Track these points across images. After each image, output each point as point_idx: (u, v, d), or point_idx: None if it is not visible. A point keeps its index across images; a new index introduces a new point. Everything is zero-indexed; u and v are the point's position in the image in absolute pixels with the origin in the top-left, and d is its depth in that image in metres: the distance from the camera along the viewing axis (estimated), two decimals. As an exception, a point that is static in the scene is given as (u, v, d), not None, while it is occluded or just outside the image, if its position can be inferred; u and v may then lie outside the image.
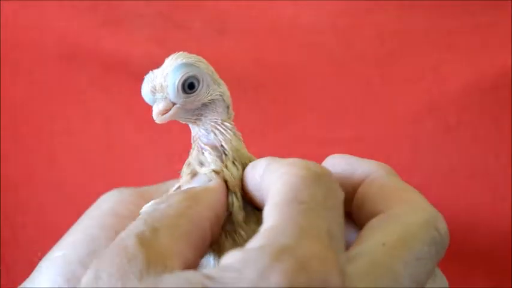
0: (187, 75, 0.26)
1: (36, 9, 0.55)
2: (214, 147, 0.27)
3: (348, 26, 0.55)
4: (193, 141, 0.28)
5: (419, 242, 0.20)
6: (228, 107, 0.28)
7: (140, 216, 0.22)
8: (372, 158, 0.53)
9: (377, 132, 0.54)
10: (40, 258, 0.28)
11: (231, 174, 0.26)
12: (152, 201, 0.23)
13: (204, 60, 0.28)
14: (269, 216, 0.19)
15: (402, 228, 0.20)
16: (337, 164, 0.26)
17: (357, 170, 0.25)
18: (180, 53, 0.28)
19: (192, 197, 0.23)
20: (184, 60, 0.27)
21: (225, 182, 0.25)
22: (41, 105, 0.55)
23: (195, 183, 0.26)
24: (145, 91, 0.27)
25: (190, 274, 0.18)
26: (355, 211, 0.23)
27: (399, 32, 0.55)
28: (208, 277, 0.17)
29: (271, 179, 0.22)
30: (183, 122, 0.28)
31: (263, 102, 0.53)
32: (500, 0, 0.53)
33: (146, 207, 0.23)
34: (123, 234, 0.21)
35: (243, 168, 0.26)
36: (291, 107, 0.54)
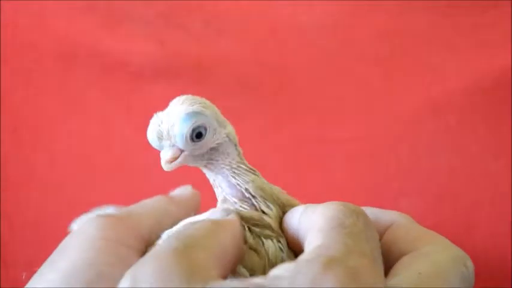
0: (195, 125, 0.26)
1: (36, 9, 0.55)
2: (242, 199, 0.26)
3: (348, 26, 0.55)
4: (215, 187, 0.27)
5: (451, 274, 0.22)
6: (235, 145, 0.27)
7: (168, 236, 0.22)
8: (371, 158, 0.54)
9: (377, 132, 0.54)
10: (25, 279, 0.25)
11: (269, 217, 0.26)
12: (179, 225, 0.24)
13: (208, 103, 0.27)
14: (314, 239, 0.20)
15: (435, 263, 0.21)
16: None
17: (381, 218, 0.26)
18: (185, 97, 0.27)
19: (218, 224, 0.23)
20: (190, 108, 0.26)
21: (269, 226, 0.25)
22: (40, 105, 0.55)
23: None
24: (152, 137, 0.27)
25: (238, 283, 0.18)
26: (382, 255, 0.24)
27: (399, 32, 0.55)
28: (259, 285, 0.17)
29: (311, 217, 0.23)
30: (192, 166, 0.27)
31: (263, 102, 0.53)
32: (500, 0, 0.53)
33: (174, 228, 0.24)
34: (157, 248, 0.20)
35: (276, 204, 0.26)
36: (291, 107, 0.54)
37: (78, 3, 0.55)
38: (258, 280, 0.18)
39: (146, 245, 0.26)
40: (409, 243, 0.23)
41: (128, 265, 0.22)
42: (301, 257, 0.19)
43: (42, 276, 0.23)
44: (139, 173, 0.52)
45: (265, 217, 0.25)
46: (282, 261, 0.24)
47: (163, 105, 0.59)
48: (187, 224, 0.24)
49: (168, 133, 0.26)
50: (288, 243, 0.25)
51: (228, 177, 0.26)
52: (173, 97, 0.55)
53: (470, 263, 0.23)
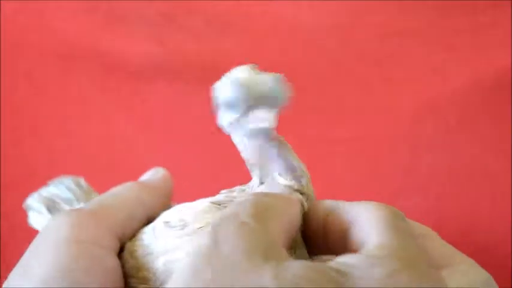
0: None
1: (36, 9, 0.55)
2: (294, 177, 0.26)
3: (348, 26, 0.55)
4: (261, 165, 0.26)
5: None
6: None
7: (242, 203, 0.21)
8: (371, 158, 0.53)
9: (377, 132, 0.54)
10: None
11: (310, 192, 0.26)
12: (249, 194, 0.23)
13: None
14: (375, 236, 0.21)
15: (470, 281, 0.23)
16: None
17: (414, 228, 0.27)
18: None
19: (288, 200, 0.24)
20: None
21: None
22: (41, 105, 0.55)
23: (271, 189, 0.25)
24: (247, 94, 0.24)
25: (318, 264, 0.19)
26: None
27: (399, 32, 0.55)
28: (337, 271, 0.18)
29: (360, 212, 0.23)
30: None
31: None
32: (500, 0, 0.53)
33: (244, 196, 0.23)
34: (237, 212, 0.20)
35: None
36: (291, 107, 0.54)
37: (78, 3, 0.55)
38: (335, 266, 0.18)
39: (120, 241, 0.25)
40: (442, 258, 0.24)
41: (104, 267, 0.23)
42: (370, 251, 0.20)
43: (14, 283, 0.22)
44: (139, 173, 0.52)
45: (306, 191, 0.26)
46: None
47: (163, 105, 0.59)
48: (259, 193, 0.23)
49: (265, 95, 0.25)
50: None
51: (274, 145, 0.26)
52: (173, 97, 0.55)
53: (496, 285, 0.25)
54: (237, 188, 0.27)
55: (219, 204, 0.25)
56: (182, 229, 0.24)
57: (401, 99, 0.54)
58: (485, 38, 0.54)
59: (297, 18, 0.55)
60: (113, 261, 0.24)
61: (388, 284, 0.18)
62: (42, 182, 0.36)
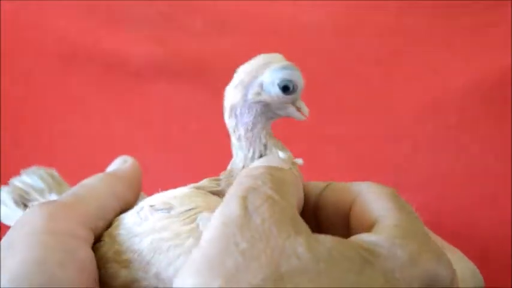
0: None
1: (36, 9, 0.55)
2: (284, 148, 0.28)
3: (348, 26, 0.55)
4: (262, 131, 0.27)
5: (471, 284, 0.25)
6: None
7: (259, 176, 0.22)
8: (372, 158, 0.53)
9: (377, 131, 0.54)
10: None
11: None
12: (264, 166, 0.24)
13: None
14: (388, 217, 0.22)
15: (458, 271, 0.23)
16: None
17: None
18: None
19: (294, 175, 0.25)
20: None
21: None
22: (40, 105, 0.55)
23: (273, 163, 0.26)
24: (300, 81, 0.27)
25: (348, 241, 0.20)
26: None
27: (399, 32, 0.55)
28: (365, 248, 0.19)
29: (365, 192, 0.25)
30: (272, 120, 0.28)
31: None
32: (500, 0, 0.53)
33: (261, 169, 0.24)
34: (258, 185, 0.21)
35: None
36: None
37: (78, 3, 0.55)
38: (363, 244, 0.20)
39: (93, 232, 0.25)
40: None
41: (78, 259, 0.23)
42: (389, 231, 0.21)
43: None
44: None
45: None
46: None
47: (163, 105, 0.59)
48: (271, 167, 0.24)
49: (300, 87, 0.27)
50: None
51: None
52: (173, 97, 0.56)
53: (483, 280, 0.26)
54: (222, 174, 0.27)
55: (203, 189, 0.26)
56: (168, 211, 0.25)
57: (402, 99, 0.54)
58: (485, 38, 0.54)
59: (296, 18, 0.55)
60: (86, 252, 0.24)
61: (410, 264, 0.19)
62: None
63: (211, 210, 0.24)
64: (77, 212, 0.25)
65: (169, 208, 0.25)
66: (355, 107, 0.55)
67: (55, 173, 0.35)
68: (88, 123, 0.55)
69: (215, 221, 0.20)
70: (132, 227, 0.25)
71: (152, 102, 0.55)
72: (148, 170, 0.53)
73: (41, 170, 0.35)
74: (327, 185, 0.26)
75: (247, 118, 0.27)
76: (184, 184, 0.28)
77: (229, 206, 0.20)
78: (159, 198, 0.26)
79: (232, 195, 0.21)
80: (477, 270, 0.25)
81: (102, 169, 0.54)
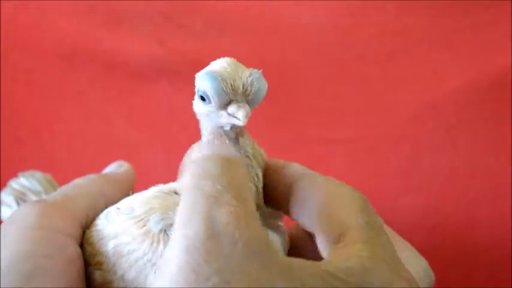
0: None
1: (36, 9, 0.55)
2: (245, 134, 0.28)
3: (348, 26, 0.55)
4: (216, 128, 0.27)
5: (425, 282, 0.25)
6: None
7: (211, 178, 0.21)
8: (371, 158, 0.53)
9: (377, 132, 0.54)
10: None
11: (260, 155, 0.27)
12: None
13: None
14: (353, 224, 0.22)
15: (412, 268, 0.23)
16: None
17: None
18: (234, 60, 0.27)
19: (244, 164, 0.25)
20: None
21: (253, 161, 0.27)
22: (40, 105, 0.55)
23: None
24: (223, 89, 0.25)
25: (319, 271, 0.19)
26: None
27: (399, 32, 0.55)
28: (340, 279, 0.19)
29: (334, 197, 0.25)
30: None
31: (263, 102, 0.53)
32: (500, 0, 0.53)
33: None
34: (218, 191, 0.20)
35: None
36: (291, 107, 0.54)
37: (78, 3, 0.55)
38: (334, 272, 0.20)
39: (82, 230, 0.26)
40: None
41: (66, 255, 0.23)
42: (358, 250, 0.21)
43: None
44: (139, 173, 0.52)
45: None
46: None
47: (163, 105, 0.59)
48: (223, 164, 0.23)
49: (245, 88, 0.26)
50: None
51: (236, 137, 0.27)
52: (173, 97, 0.55)
53: (433, 275, 0.26)
54: None
55: (168, 191, 0.26)
56: (129, 214, 0.25)
57: (401, 99, 0.54)
58: (485, 38, 0.54)
59: (296, 18, 0.55)
60: (75, 249, 0.24)
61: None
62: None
63: (166, 212, 0.24)
64: (67, 210, 0.25)
65: (130, 210, 0.25)
66: (355, 107, 0.55)
67: (50, 178, 0.36)
68: (88, 123, 0.55)
69: (177, 246, 0.18)
70: (101, 229, 0.25)
71: (152, 102, 0.55)
72: (148, 170, 0.53)
73: (38, 174, 0.36)
74: (302, 177, 0.26)
75: (204, 129, 0.27)
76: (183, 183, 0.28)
77: (191, 225, 0.19)
78: (125, 201, 0.26)
79: (193, 210, 0.19)
80: (429, 268, 0.26)
81: (102, 169, 0.54)
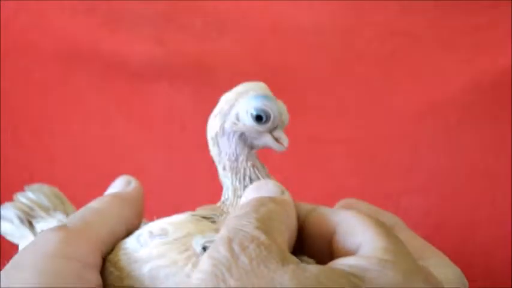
0: None
1: (36, 9, 0.55)
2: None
3: (348, 26, 0.55)
4: (255, 162, 0.27)
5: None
6: None
7: (244, 216, 0.22)
8: (372, 158, 0.53)
9: (377, 132, 0.54)
10: None
11: None
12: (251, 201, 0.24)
13: None
14: (368, 238, 0.22)
15: (443, 277, 0.23)
16: (365, 209, 0.29)
17: (381, 218, 0.27)
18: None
19: (286, 203, 0.24)
20: None
21: None
22: (40, 105, 0.55)
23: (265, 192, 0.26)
24: (284, 113, 0.27)
25: (335, 268, 0.20)
26: None
27: (399, 32, 0.55)
28: (354, 275, 0.19)
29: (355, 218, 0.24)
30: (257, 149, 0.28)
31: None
32: (500, 0, 0.53)
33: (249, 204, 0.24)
34: (244, 225, 0.22)
35: None
36: (291, 107, 0.54)
37: (78, 3, 0.55)
38: (351, 270, 0.20)
39: (102, 257, 0.25)
40: (414, 250, 0.25)
41: (86, 285, 0.23)
42: (377, 254, 0.21)
43: None
44: (139, 173, 0.52)
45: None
46: None
47: (163, 105, 0.59)
48: (260, 200, 0.24)
49: (284, 120, 0.27)
50: None
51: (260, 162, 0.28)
52: (173, 97, 0.55)
53: (467, 283, 0.25)
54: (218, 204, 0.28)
55: (200, 216, 0.26)
56: (163, 238, 0.25)
57: (401, 99, 0.54)
58: (485, 38, 0.54)
59: (296, 18, 0.55)
60: (96, 279, 0.24)
61: (403, 284, 0.20)
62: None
63: (204, 235, 0.24)
64: (88, 238, 0.25)
65: (164, 234, 0.25)
66: (355, 107, 0.55)
67: (58, 191, 0.35)
68: (88, 123, 0.55)
69: (204, 264, 0.20)
70: (132, 252, 0.25)
71: (152, 103, 0.55)
72: (148, 170, 0.53)
73: (45, 187, 0.35)
74: (313, 209, 0.25)
75: (228, 148, 0.27)
76: (184, 184, 0.28)
77: (217, 249, 0.21)
78: (157, 224, 0.26)
79: (220, 239, 0.21)
80: (462, 274, 0.25)
81: (102, 170, 0.55)
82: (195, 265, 0.23)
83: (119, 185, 0.31)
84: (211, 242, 0.24)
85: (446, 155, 0.53)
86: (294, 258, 0.21)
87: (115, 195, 0.30)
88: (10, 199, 0.52)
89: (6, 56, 0.54)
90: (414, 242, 0.26)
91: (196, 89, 0.54)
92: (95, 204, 0.28)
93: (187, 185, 0.50)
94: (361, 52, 0.55)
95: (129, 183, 0.31)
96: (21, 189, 0.35)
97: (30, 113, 0.55)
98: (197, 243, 0.24)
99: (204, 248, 0.24)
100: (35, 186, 0.35)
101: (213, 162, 0.28)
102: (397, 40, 0.55)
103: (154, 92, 0.55)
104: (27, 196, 0.34)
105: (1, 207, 0.34)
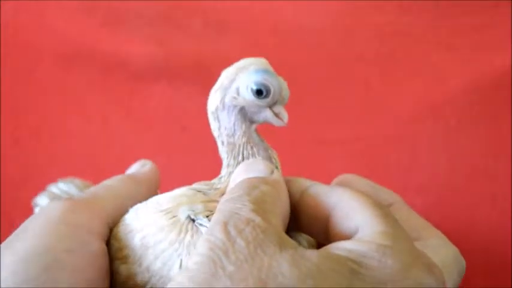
0: None
1: (36, 10, 0.55)
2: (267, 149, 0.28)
3: (348, 26, 0.55)
4: (251, 139, 0.28)
5: (454, 270, 0.24)
6: None
7: (237, 199, 0.22)
8: (372, 158, 0.53)
9: (377, 132, 0.54)
10: None
11: (275, 158, 0.28)
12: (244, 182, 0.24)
13: None
14: (373, 223, 0.22)
15: (442, 256, 0.23)
16: (363, 186, 0.30)
17: (381, 196, 0.29)
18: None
19: (278, 184, 0.25)
20: None
21: None
22: (40, 105, 0.55)
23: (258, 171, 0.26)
24: (284, 88, 0.28)
25: (333, 254, 0.20)
26: None
27: (399, 32, 0.55)
28: (353, 261, 0.19)
29: (351, 197, 0.24)
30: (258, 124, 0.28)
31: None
32: (500, 0, 0.53)
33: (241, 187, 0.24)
34: (239, 208, 0.21)
35: None
36: (291, 107, 0.54)
37: (78, 3, 0.55)
38: (351, 256, 0.19)
39: (110, 229, 0.26)
40: (412, 230, 0.25)
41: (89, 251, 0.23)
42: (375, 238, 0.21)
43: None
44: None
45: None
46: None
47: (163, 105, 0.59)
48: (252, 181, 0.24)
49: (284, 96, 0.28)
50: None
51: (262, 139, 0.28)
52: (173, 97, 0.55)
53: (464, 262, 0.25)
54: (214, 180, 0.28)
55: (195, 190, 0.27)
56: (156, 207, 0.26)
57: (401, 99, 0.54)
58: (485, 38, 0.54)
59: (296, 18, 0.55)
60: (99, 246, 0.24)
61: (403, 276, 0.19)
62: (42, 182, 0.36)
63: (194, 204, 0.25)
64: (94, 209, 0.26)
65: (158, 205, 0.26)
66: (355, 107, 0.55)
67: (89, 183, 0.36)
68: (88, 123, 0.55)
69: (201, 248, 0.20)
70: (128, 223, 0.26)
71: (152, 103, 0.55)
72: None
73: (77, 180, 0.36)
74: (307, 187, 0.25)
75: (228, 123, 0.27)
76: (184, 184, 0.28)
77: (213, 232, 0.21)
78: (153, 198, 0.27)
79: (215, 223, 0.21)
80: (459, 254, 0.25)
81: (101, 169, 0.55)
82: (179, 233, 0.24)
83: (135, 167, 0.33)
84: (196, 211, 0.24)
85: (445, 155, 0.53)
86: (290, 241, 0.20)
87: (127, 175, 0.31)
88: (10, 199, 0.52)
89: (6, 56, 0.54)
90: (414, 221, 0.26)
91: (196, 89, 0.54)
92: (107, 181, 0.29)
93: (187, 184, 0.50)
94: (361, 52, 0.55)
95: (143, 165, 0.33)
96: (21, 189, 0.35)
97: (30, 113, 0.55)
98: (183, 212, 0.25)
99: (189, 217, 0.24)
100: (68, 178, 0.36)
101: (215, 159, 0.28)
102: (396, 40, 0.55)
103: (154, 92, 0.55)
104: (58, 186, 0.35)
105: (37, 196, 0.35)
